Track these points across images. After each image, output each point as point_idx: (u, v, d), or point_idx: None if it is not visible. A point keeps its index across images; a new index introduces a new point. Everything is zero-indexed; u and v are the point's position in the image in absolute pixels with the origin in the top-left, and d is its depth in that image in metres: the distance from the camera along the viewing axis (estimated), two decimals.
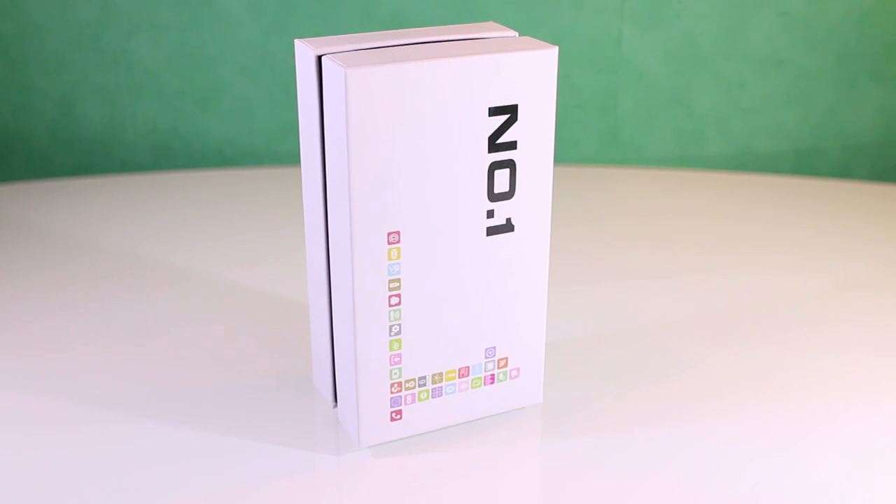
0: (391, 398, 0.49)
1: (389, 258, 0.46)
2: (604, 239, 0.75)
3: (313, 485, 0.47)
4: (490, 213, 0.47)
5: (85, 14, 0.90)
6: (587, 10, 0.88)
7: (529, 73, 0.46)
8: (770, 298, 0.66)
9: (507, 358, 0.51)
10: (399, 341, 0.48)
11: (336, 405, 0.52)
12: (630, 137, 0.93)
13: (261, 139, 0.94)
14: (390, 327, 0.47)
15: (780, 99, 0.91)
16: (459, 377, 0.50)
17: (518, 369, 0.51)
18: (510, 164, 0.47)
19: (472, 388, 0.50)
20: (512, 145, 0.46)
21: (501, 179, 0.47)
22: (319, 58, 0.45)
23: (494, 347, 0.50)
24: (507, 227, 0.48)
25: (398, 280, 0.46)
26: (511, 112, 0.46)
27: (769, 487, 0.47)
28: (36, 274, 0.69)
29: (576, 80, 0.90)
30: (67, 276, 0.69)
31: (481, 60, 0.44)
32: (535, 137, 0.47)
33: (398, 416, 0.49)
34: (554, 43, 0.89)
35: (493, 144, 0.46)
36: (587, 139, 0.93)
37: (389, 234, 0.45)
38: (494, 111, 0.46)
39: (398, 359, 0.48)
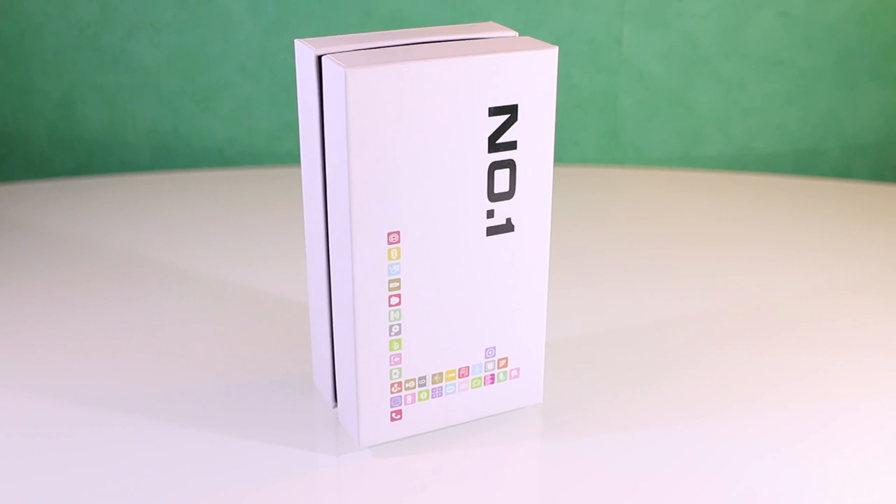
0: (391, 398, 0.49)
1: (389, 258, 0.46)
2: (604, 239, 0.75)
3: (313, 485, 0.47)
4: (490, 213, 0.47)
5: (85, 14, 0.90)
6: (587, 10, 0.88)
7: (529, 73, 0.46)
8: (770, 298, 0.66)
9: (507, 358, 0.51)
10: (399, 341, 0.48)
11: (336, 405, 0.52)
12: (630, 137, 0.93)
13: (261, 139, 0.94)
14: (390, 327, 0.47)
15: (780, 99, 0.91)
16: (459, 377, 0.50)
17: (518, 369, 0.51)
18: (510, 164, 0.47)
19: (472, 388, 0.50)
20: (512, 145, 0.46)
21: (501, 179, 0.47)
22: (319, 58, 0.45)
23: (494, 347, 0.50)
24: (507, 227, 0.48)
25: (398, 280, 0.46)
26: (511, 112, 0.46)
27: (769, 487, 0.47)
28: (36, 274, 0.69)
29: (576, 80, 0.90)
30: (67, 276, 0.69)
31: (481, 60, 0.44)
32: (535, 137, 0.47)
33: (398, 416, 0.49)
34: (554, 43, 0.89)
35: (493, 144, 0.46)
36: (587, 139, 0.93)
37: (389, 234, 0.45)
38: (494, 111, 0.46)
39: (398, 359, 0.48)
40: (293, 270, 0.69)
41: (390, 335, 0.47)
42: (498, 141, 0.46)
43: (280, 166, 0.91)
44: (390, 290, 0.46)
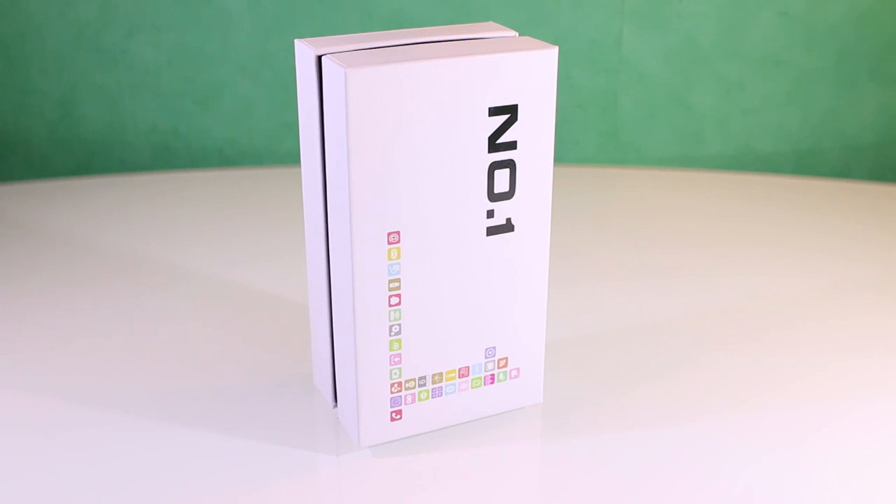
0: (391, 398, 0.49)
1: (389, 258, 0.46)
2: (604, 239, 0.75)
3: (313, 485, 0.47)
4: (490, 213, 0.47)
5: (85, 14, 0.90)
6: (587, 10, 0.88)
7: (529, 73, 0.46)
8: (769, 298, 0.66)
9: (507, 358, 0.51)
10: (399, 341, 0.48)
11: (336, 405, 0.52)
12: (630, 137, 0.93)
13: (261, 139, 0.94)
14: (390, 327, 0.47)
15: (780, 99, 0.91)
16: (459, 377, 0.50)
17: (518, 369, 0.51)
18: (510, 164, 0.47)
19: (472, 388, 0.50)
20: (512, 145, 0.47)
21: (501, 179, 0.47)
22: (319, 58, 0.45)
23: (494, 347, 0.50)
24: (507, 227, 0.48)
25: (398, 280, 0.46)
26: (511, 112, 0.46)
27: (768, 487, 0.47)
28: (36, 274, 0.69)
29: (576, 80, 0.90)
30: (67, 276, 0.69)
31: (481, 60, 0.44)
32: (535, 137, 0.47)
33: (398, 416, 0.49)
34: (554, 43, 0.89)
35: (493, 144, 0.46)
36: (587, 139, 0.93)
37: (389, 234, 0.45)
38: (494, 111, 0.46)
39: (398, 359, 0.48)
40: (293, 270, 0.69)
41: (390, 335, 0.47)
42: (498, 141, 0.46)
43: (280, 166, 0.91)
44: (390, 290, 0.46)
